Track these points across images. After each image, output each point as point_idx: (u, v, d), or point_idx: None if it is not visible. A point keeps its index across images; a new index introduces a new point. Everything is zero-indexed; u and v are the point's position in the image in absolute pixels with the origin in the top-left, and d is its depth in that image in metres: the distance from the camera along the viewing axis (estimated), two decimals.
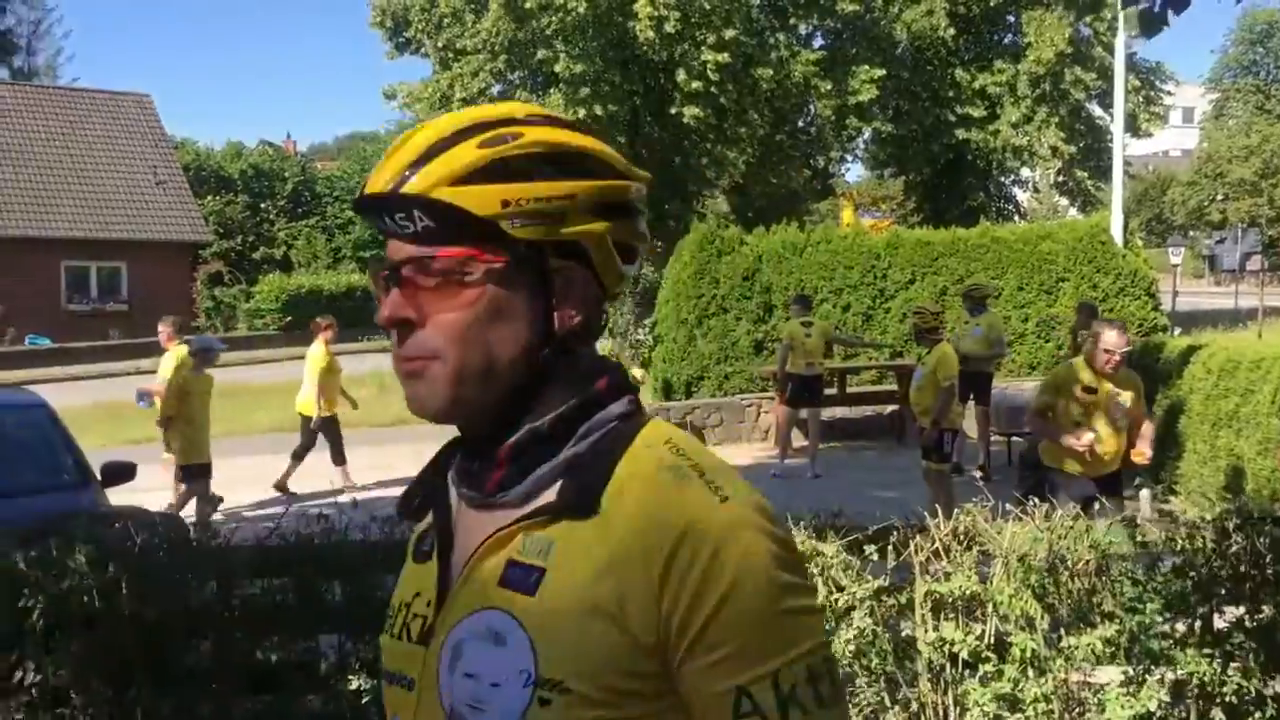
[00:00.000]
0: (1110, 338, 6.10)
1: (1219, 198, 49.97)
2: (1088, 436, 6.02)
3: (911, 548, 3.93)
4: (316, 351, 11.28)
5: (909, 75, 23.32)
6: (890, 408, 14.57)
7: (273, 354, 24.26)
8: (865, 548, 3.94)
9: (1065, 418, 6.26)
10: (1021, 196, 28.80)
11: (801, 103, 20.74)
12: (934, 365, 8.89)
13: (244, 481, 11.06)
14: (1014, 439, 11.90)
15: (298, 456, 11.12)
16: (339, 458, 11.33)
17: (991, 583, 3.96)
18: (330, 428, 11.22)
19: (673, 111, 18.91)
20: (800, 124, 21.76)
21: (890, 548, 4.10)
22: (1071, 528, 4.20)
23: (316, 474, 11.15)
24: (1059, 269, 15.39)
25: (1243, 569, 3.87)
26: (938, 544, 4.08)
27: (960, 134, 23.19)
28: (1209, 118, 57.40)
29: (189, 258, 29.79)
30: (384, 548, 3.65)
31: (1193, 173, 54.32)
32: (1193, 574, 3.85)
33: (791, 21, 20.67)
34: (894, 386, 14.40)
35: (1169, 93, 25.56)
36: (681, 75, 18.31)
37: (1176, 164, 60.80)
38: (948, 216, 21.06)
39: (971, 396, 11.18)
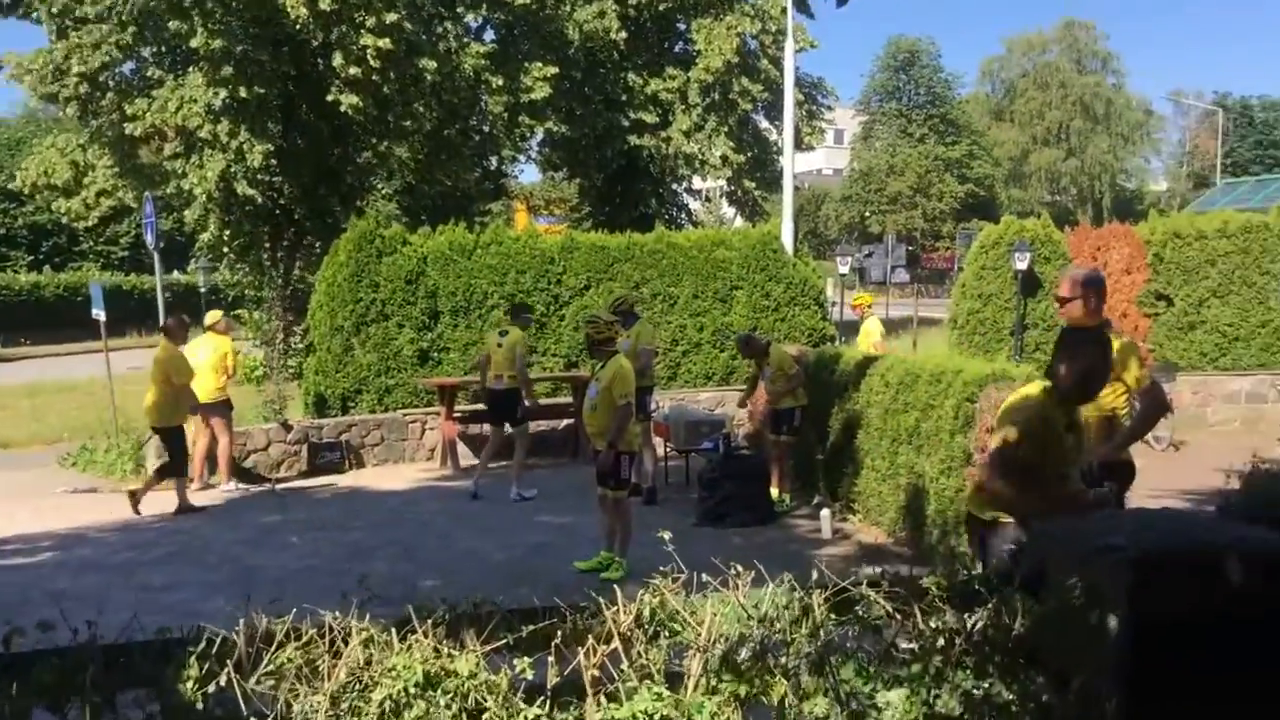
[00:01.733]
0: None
1: (871, 213, 53.37)
2: None
3: (582, 654, 2.87)
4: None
5: (582, 76, 22.73)
6: (565, 422, 13.73)
7: None
8: (515, 660, 2.83)
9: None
10: (693, 205, 29.03)
11: (473, 98, 19.57)
12: (609, 381, 8.00)
13: None
14: (693, 457, 11.28)
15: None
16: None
17: (686, 690, 2.97)
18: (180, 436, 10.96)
19: (330, 99, 17.19)
20: (473, 121, 20.57)
21: (555, 647, 3.04)
22: (787, 605, 3.29)
23: None
24: (733, 277, 15.09)
25: (988, 650, 3.09)
26: (617, 640, 3.04)
27: (634, 139, 22.84)
28: (858, 139, 61.28)
29: None
30: None
31: (847, 188, 57.86)
32: (934, 659, 3.03)
33: (460, 11, 19.44)
34: (569, 399, 13.58)
35: (829, 108, 26.48)
36: (338, 59, 16.66)
37: (830, 181, 64.67)
38: (621, 222, 20.58)
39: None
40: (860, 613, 3.18)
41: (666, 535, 3.72)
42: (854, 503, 9.59)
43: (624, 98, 22.77)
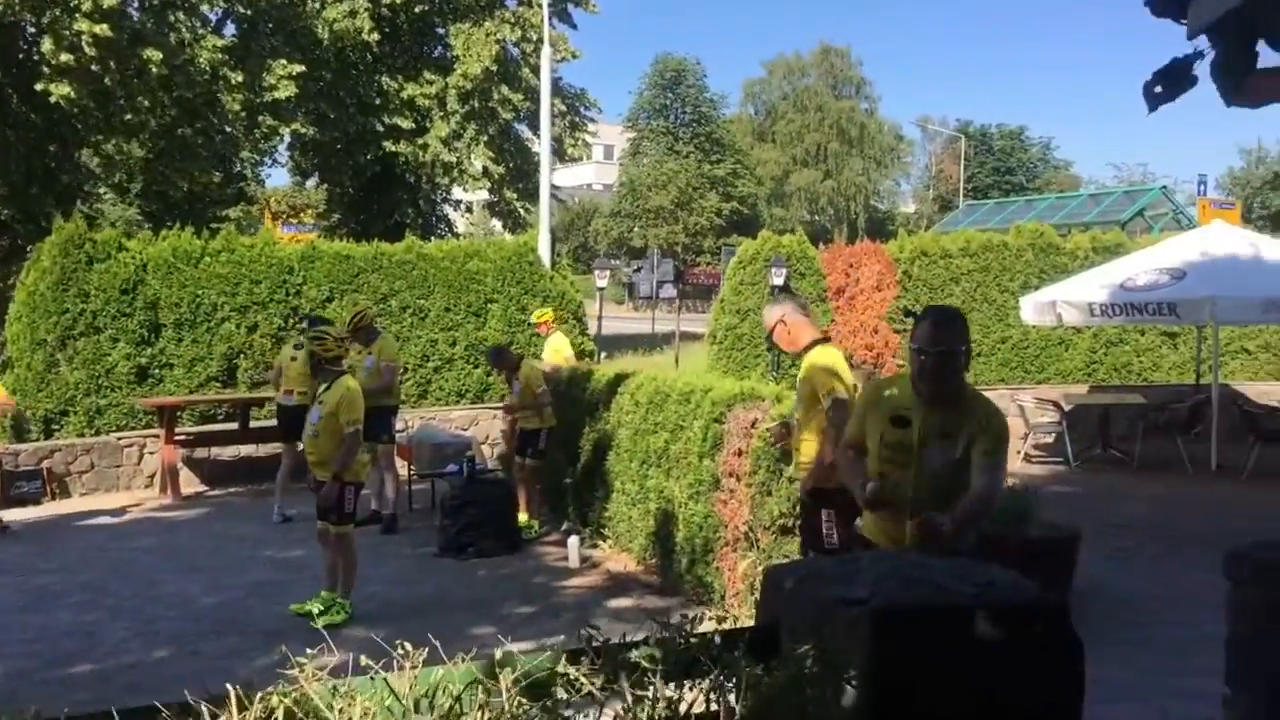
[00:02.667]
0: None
1: (638, 228, 53.75)
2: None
3: None
4: None
5: (332, 78, 21.50)
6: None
7: None
8: None
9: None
10: (455, 217, 28.16)
11: (210, 94, 18.09)
12: (334, 405, 7.23)
13: None
14: (438, 482, 10.54)
15: None
16: None
17: None
18: None
19: (39, 88, 15.46)
20: (213, 119, 19.06)
21: None
22: (465, 689, 2.67)
23: None
24: (487, 289, 14.44)
25: None
26: None
27: (389, 145, 21.77)
28: (627, 154, 61.75)
29: None
30: None
31: (615, 203, 58.14)
32: None
33: (195, 1, 17.94)
34: None
35: (592, 120, 26.21)
36: (48, 45, 15.00)
37: (600, 196, 64.96)
38: (375, 232, 19.56)
39: (377, 436, 9.65)
40: (558, 697, 2.59)
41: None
42: (605, 528, 9.10)
43: (378, 102, 21.68)
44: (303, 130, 20.67)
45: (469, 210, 28.59)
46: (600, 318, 17.89)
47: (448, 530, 9.13)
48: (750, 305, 15.49)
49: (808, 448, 5.32)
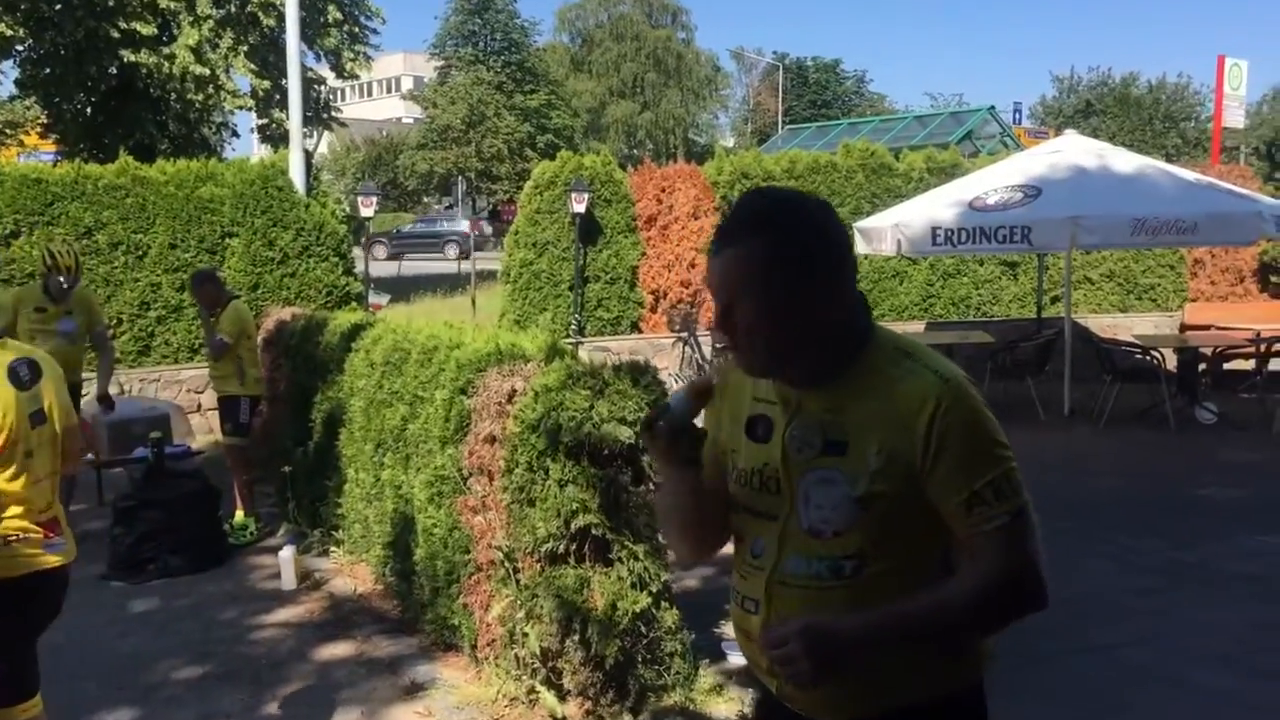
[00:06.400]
0: None
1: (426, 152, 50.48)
2: None
3: None
4: None
5: None
6: None
7: None
8: None
9: None
10: (222, 142, 24.74)
11: None
12: None
13: None
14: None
15: None
16: None
17: None
18: None
19: None
20: None
21: None
22: None
23: None
24: (225, 221, 11.79)
25: None
26: None
27: (128, 55, 18.40)
28: (433, 84, 58.10)
29: None
30: None
31: (422, 135, 54.72)
32: None
33: None
34: None
35: (374, 31, 23.28)
36: None
37: (410, 131, 61.21)
38: (114, 158, 16.36)
39: None
40: None
41: None
42: (339, 529, 6.86)
43: (111, 2, 18.22)
44: (9, 31, 17.14)
45: (234, 133, 25.21)
46: (368, 257, 15.31)
47: (120, 542, 6.72)
48: (549, 237, 13.31)
49: None
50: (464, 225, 30.71)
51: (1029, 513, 1.75)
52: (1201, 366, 11.81)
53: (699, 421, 1.93)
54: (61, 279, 7.22)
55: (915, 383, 1.75)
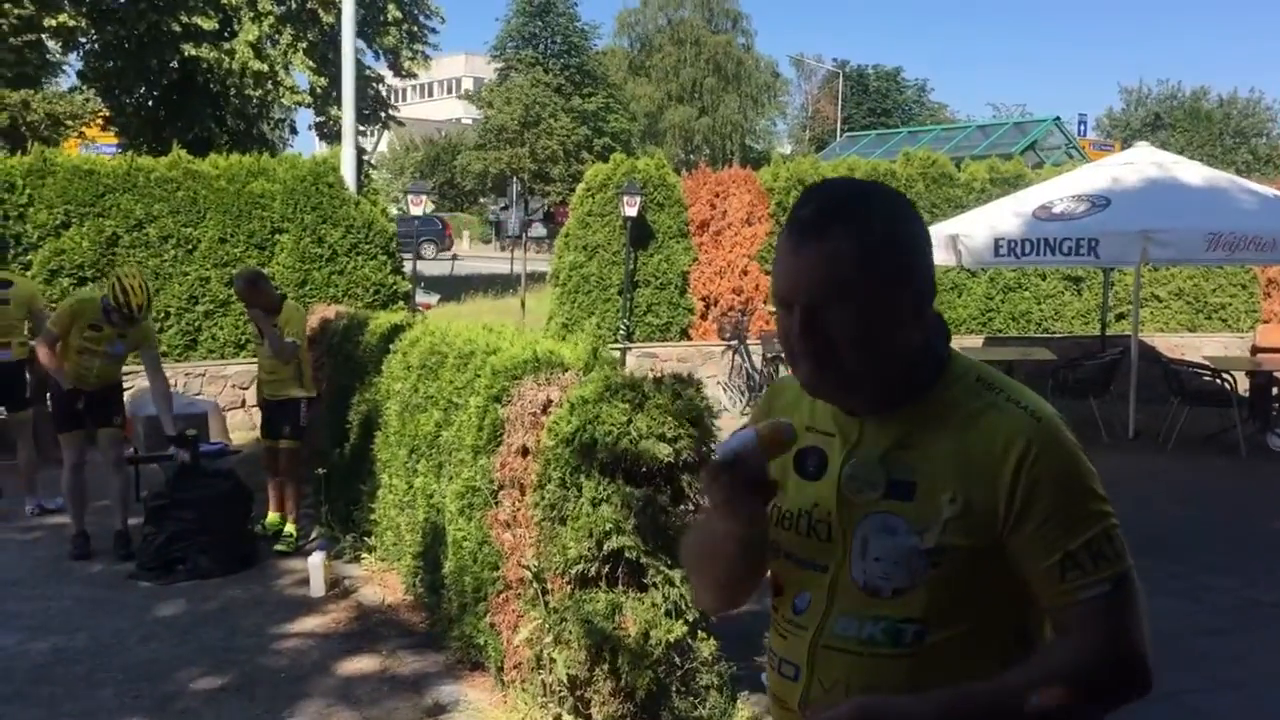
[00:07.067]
0: None
1: (482, 152, 50.48)
2: None
3: None
4: None
5: None
6: None
7: None
8: None
9: None
10: (280, 139, 24.85)
11: None
12: None
13: None
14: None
15: None
16: None
17: None
18: None
19: None
20: None
21: None
22: None
23: None
24: (275, 217, 11.71)
25: None
26: None
27: (189, 49, 18.46)
28: (493, 85, 58.25)
29: None
30: None
31: (480, 135, 54.90)
32: None
33: None
34: None
35: (434, 30, 23.21)
36: None
37: (467, 130, 61.44)
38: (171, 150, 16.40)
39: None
40: None
41: None
42: (371, 535, 6.67)
43: None
44: (72, 23, 17.26)
45: (292, 130, 25.29)
46: (416, 256, 15.14)
47: (150, 541, 6.59)
48: (599, 240, 13.09)
49: None
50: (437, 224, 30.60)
51: (1133, 580, 1.46)
52: (1275, 391, 11.30)
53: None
54: (129, 313, 6.84)
55: (1001, 420, 1.48)
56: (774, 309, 1.55)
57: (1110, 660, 1.43)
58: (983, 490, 1.45)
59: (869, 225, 1.48)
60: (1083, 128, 37.62)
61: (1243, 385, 11.18)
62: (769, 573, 1.69)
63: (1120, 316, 14.17)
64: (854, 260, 1.45)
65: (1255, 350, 13.76)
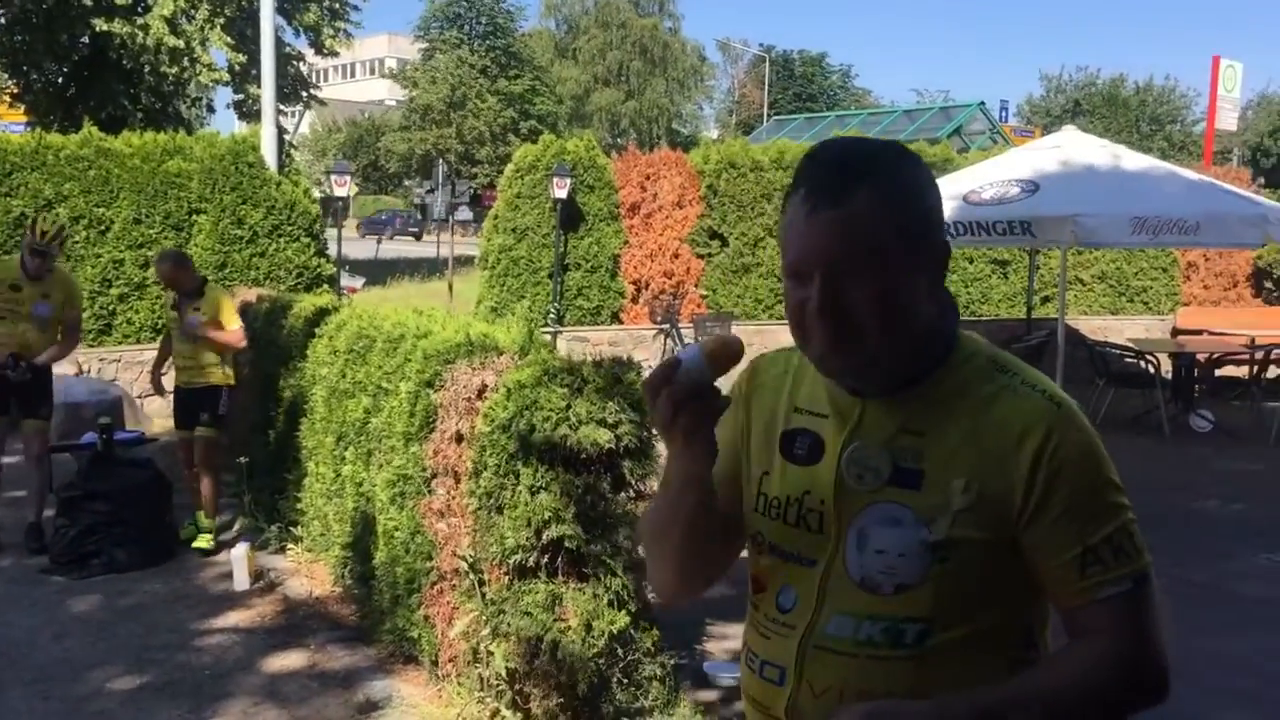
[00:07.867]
0: None
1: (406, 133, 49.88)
2: None
3: None
4: None
5: None
6: None
7: None
8: None
9: None
10: (197, 118, 24.14)
11: None
12: None
13: None
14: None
15: None
16: None
17: None
18: None
19: None
20: None
21: None
22: None
23: None
24: (193, 197, 11.34)
25: None
26: None
27: (100, 24, 17.82)
28: (418, 66, 57.42)
29: None
30: None
31: (404, 117, 54.16)
32: None
33: None
34: None
35: (355, 7, 22.69)
36: None
37: (391, 113, 60.55)
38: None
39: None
40: None
41: None
42: (297, 525, 6.45)
43: None
44: None
45: (210, 109, 24.59)
46: (340, 236, 14.82)
47: (63, 534, 6.30)
48: (529, 223, 12.91)
49: None
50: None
51: (1152, 579, 1.38)
52: (1197, 372, 11.52)
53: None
54: (38, 245, 6.56)
55: (1018, 405, 1.38)
56: (783, 279, 1.41)
57: (1132, 662, 1.36)
58: (998, 479, 1.35)
59: (896, 185, 1.37)
60: (1004, 114, 38.16)
61: (1166, 367, 11.37)
62: (750, 573, 1.57)
63: (1046, 299, 14.35)
64: (883, 221, 1.34)
65: (1175, 332, 14.04)
